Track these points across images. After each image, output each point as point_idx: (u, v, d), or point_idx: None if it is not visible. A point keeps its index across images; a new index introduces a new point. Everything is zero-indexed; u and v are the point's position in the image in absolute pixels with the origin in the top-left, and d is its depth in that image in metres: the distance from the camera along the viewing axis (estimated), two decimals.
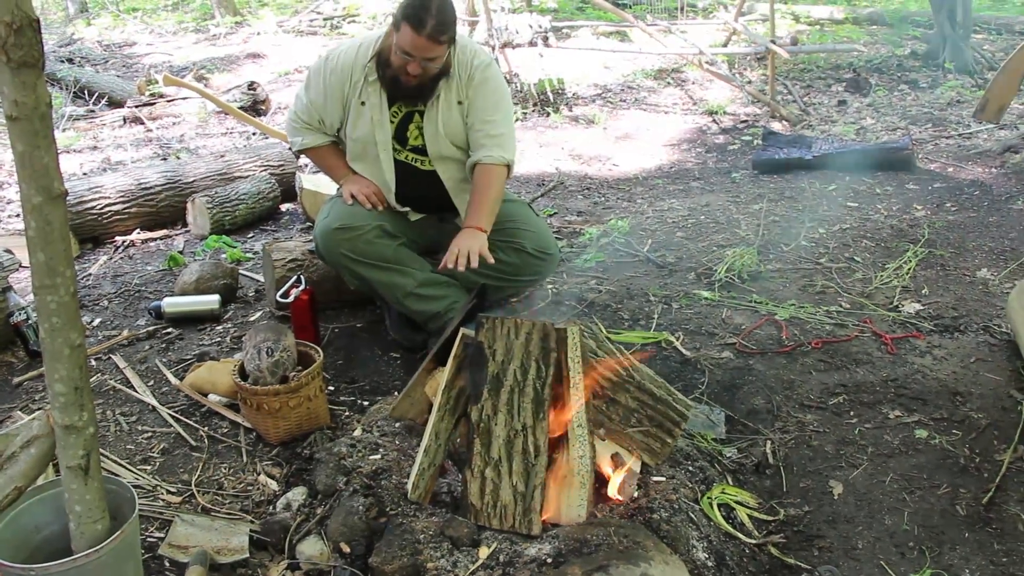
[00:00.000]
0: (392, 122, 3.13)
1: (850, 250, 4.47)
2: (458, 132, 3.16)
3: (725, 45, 10.39)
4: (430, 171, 3.21)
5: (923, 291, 3.91)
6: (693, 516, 2.26)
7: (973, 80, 9.01)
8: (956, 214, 5.04)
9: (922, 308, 3.73)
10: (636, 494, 2.30)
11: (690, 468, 2.50)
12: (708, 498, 2.40)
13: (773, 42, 8.36)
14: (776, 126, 7.78)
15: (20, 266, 3.68)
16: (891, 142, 6.46)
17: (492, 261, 2.97)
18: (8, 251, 3.63)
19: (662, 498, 2.26)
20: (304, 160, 6.34)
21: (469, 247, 2.92)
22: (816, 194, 5.54)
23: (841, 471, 2.66)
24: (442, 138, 3.14)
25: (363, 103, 3.09)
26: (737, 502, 2.45)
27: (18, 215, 5.48)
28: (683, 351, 3.37)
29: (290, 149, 5.82)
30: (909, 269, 4.14)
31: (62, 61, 10.14)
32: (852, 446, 2.78)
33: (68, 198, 1.64)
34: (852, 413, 2.96)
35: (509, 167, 3.18)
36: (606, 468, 2.33)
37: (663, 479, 2.37)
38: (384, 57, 3.00)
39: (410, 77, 2.94)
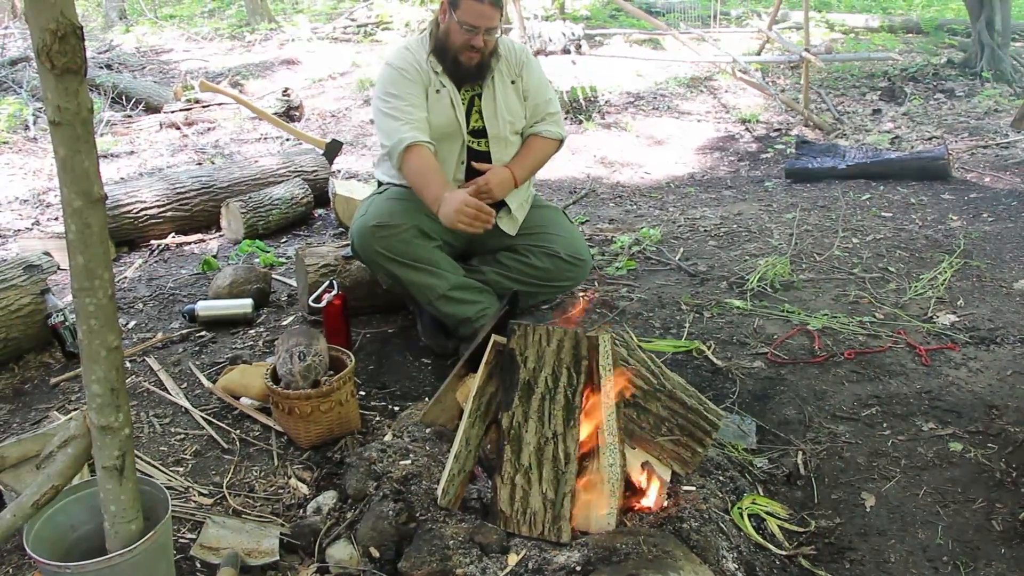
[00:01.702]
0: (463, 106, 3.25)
1: (884, 260, 4.43)
2: (515, 111, 3.30)
3: (759, 53, 10.35)
4: (484, 151, 3.28)
5: (958, 302, 3.87)
6: (723, 526, 2.24)
7: (1011, 89, 8.90)
8: (993, 224, 4.97)
9: (957, 319, 3.68)
10: (666, 503, 2.29)
11: (720, 478, 2.49)
12: (738, 508, 2.39)
13: (807, 50, 8.31)
14: (809, 135, 7.72)
15: (58, 268, 3.74)
16: (926, 151, 6.39)
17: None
18: (47, 253, 3.68)
19: (692, 507, 2.25)
20: (337, 166, 6.39)
21: (494, 184, 3.16)
22: (850, 204, 5.49)
23: (873, 483, 2.63)
24: (502, 117, 3.25)
25: (438, 92, 3.18)
26: (768, 513, 2.43)
27: (57, 218, 5.57)
28: (714, 360, 3.36)
29: (342, 162, 5.86)
30: (944, 280, 4.09)
31: (101, 67, 10.31)
32: (885, 458, 2.75)
33: (106, 202, 1.66)
34: (885, 425, 2.93)
35: (561, 143, 3.44)
36: (636, 476, 2.32)
37: (693, 488, 2.35)
38: (441, 45, 3.15)
39: (473, 53, 3.10)
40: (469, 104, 3.25)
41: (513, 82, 3.29)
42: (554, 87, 8.31)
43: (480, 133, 3.27)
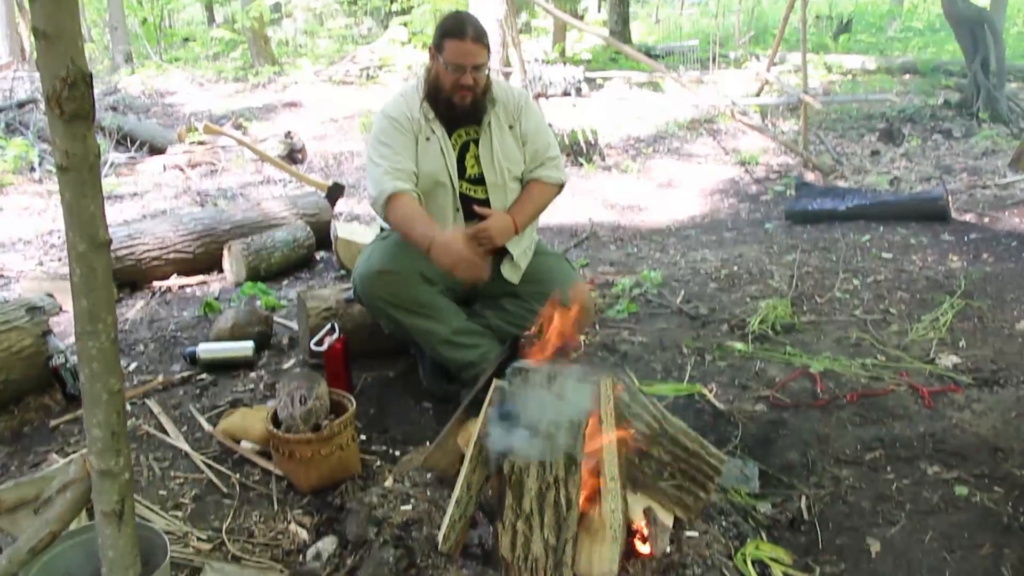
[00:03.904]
0: (454, 152, 3.24)
1: (885, 302, 4.43)
2: (514, 157, 3.28)
3: (757, 95, 10.45)
4: (484, 199, 3.28)
5: (961, 344, 3.86)
6: (727, 572, 2.22)
7: (1008, 129, 8.97)
8: (993, 265, 4.98)
9: (960, 361, 3.67)
10: (669, 549, 2.27)
11: (724, 523, 2.47)
12: (742, 554, 2.36)
13: (805, 92, 8.39)
14: (809, 176, 7.78)
15: (61, 310, 3.74)
16: (925, 192, 6.43)
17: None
18: (50, 295, 3.69)
19: (695, 553, 2.23)
20: (339, 209, 6.41)
21: (494, 231, 3.13)
22: (850, 245, 5.51)
23: (878, 528, 2.61)
24: (499, 163, 3.24)
25: (428, 139, 3.18)
26: (772, 559, 2.41)
27: (60, 259, 5.59)
28: (716, 404, 3.34)
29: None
30: (946, 321, 4.08)
31: (106, 109, 10.40)
32: (889, 502, 2.73)
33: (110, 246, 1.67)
34: (889, 468, 2.91)
35: (561, 187, 3.43)
36: (639, 522, 2.30)
37: (696, 534, 2.33)
38: (434, 90, 3.16)
39: (465, 92, 3.10)
40: (463, 149, 3.24)
41: (511, 127, 3.28)
42: (555, 130, 8.43)
43: (478, 180, 3.26)
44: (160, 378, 3.62)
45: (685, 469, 2.34)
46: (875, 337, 3.97)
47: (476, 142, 3.25)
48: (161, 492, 2.76)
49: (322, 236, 5.66)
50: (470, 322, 3.24)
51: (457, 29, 3.03)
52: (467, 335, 3.20)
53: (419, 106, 3.18)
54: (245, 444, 3.00)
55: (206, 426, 3.17)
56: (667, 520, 2.33)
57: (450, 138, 3.22)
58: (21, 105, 9.93)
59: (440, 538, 2.23)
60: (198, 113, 10.93)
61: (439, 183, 3.19)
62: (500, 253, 3.29)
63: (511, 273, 3.32)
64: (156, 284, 5.00)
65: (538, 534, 2.13)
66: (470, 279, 2.98)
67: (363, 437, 3.11)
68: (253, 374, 3.66)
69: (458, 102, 3.13)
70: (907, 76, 12.58)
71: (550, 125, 3.48)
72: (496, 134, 3.25)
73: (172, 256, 5.10)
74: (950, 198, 6.20)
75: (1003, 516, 2.62)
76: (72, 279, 1.64)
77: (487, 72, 3.18)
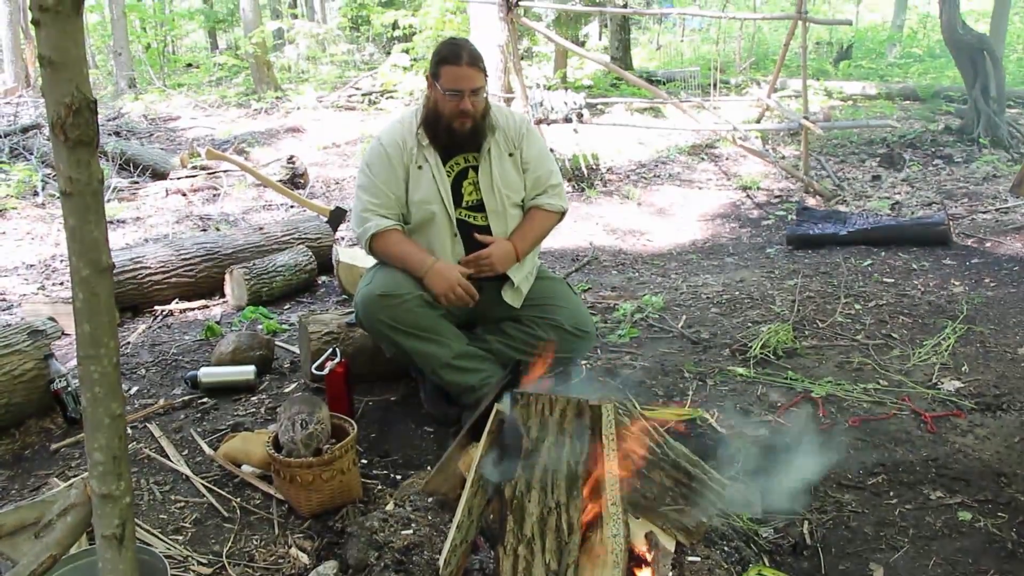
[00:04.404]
0: (448, 178, 3.25)
1: (887, 327, 4.43)
2: (513, 184, 3.30)
3: (758, 121, 10.49)
4: (484, 226, 3.28)
5: (963, 368, 3.85)
6: None
7: (1009, 154, 9.00)
8: (995, 290, 4.98)
9: (962, 386, 3.67)
10: (670, 574, 2.25)
11: (726, 548, 2.45)
12: None
13: (806, 118, 8.43)
14: (810, 201, 7.79)
15: (63, 334, 3.75)
16: (927, 217, 6.44)
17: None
18: (52, 319, 3.70)
19: None
20: (341, 233, 6.43)
21: (495, 258, 3.20)
22: (851, 270, 5.51)
23: (882, 553, 2.59)
24: (499, 190, 3.26)
25: (420, 167, 3.20)
26: None
27: (62, 283, 5.60)
28: (718, 428, 3.34)
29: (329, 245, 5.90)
30: (948, 346, 4.08)
31: (109, 134, 10.46)
32: (892, 528, 2.71)
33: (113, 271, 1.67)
34: (892, 493, 2.90)
35: (562, 215, 3.46)
36: (640, 547, 2.29)
37: (698, 559, 2.32)
38: (432, 117, 3.18)
39: (464, 118, 3.13)
40: (460, 176, 3.25)
41: (511, 154, 3.29)
42: (557, 155, 8.48)
43: (477, 207, 3.27)
44: (161, 402, 3.62)
45: (687, 494, 2.33)
46: (877, 362, 3.96)
47: (475, 168, 3.26)
48: (162, 516, 2.75)
49: (324, 261, 5.68)
50: (472, 346, 3.25)
51: (452, 55, 3.07)
52: (468, 359, 3.21)
53: (415, 132, 3.21)
54: (246, 468, 3.00)
55: (207, 450, 3.17)
56: (669, 545, 2.32)
57: (446, 165, 3.23)
58: (25, 130, 10.00)
59: (441, 563, 2.22)
60: (200, 138, 10.99)
61: (432, 211, 3.20)
62: (502, 278, 3.30)
63: (513, 298, 3.32)
64: (158, 308, 5.01)
65: (539, 559, 2.12)
66: (458, 305, 3.07)
67: (364, 461, 3.11)
68: (254, 398, 3.66)
69: (458, 128, 3.15)
70: (907, 102, 12.64)
71: (552, 150, 3.50)
72: (495, 161, 3.26)
73: (174, 280, 5.12)
74: (951, 223, 6.22)
75: (1007, 542, 2.60)
76: (74, 304, 1.64)
77: (485, 96, 3.20)
